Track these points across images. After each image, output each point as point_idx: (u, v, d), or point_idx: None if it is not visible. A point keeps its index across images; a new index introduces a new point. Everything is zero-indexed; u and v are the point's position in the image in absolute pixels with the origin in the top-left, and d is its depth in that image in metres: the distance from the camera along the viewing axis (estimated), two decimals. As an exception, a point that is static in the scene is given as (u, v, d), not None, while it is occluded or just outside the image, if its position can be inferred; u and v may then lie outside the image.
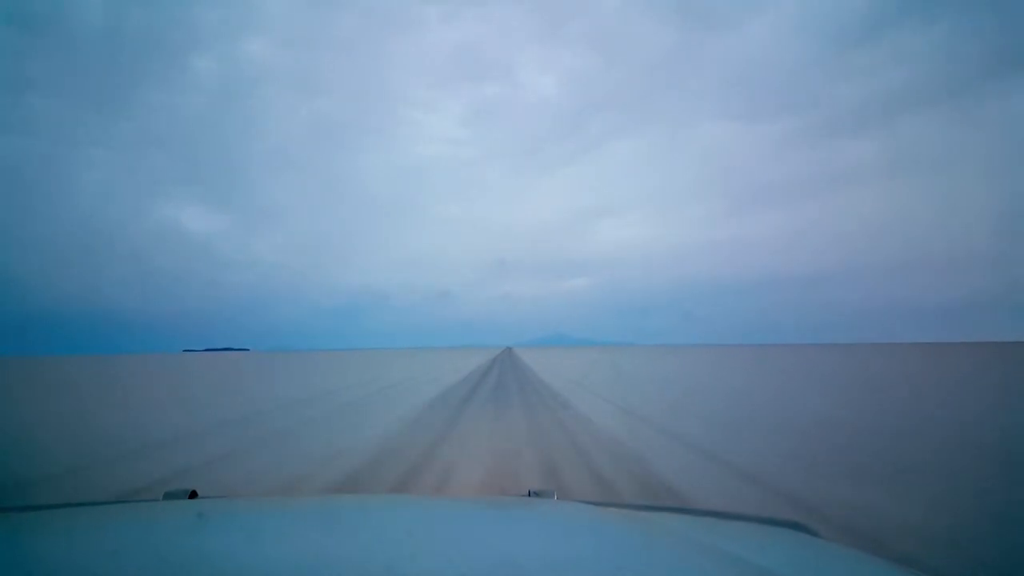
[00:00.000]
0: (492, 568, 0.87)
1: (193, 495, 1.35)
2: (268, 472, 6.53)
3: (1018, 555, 4.00)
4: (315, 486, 5.86)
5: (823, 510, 5.03)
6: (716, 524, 1.31)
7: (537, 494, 1.49)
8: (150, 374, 34.49)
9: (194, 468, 6.80)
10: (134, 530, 1.08)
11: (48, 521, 1.20)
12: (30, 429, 10.63)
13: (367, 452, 7.70)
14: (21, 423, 11.62)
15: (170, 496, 1.34)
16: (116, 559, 0.88)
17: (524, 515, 1.30)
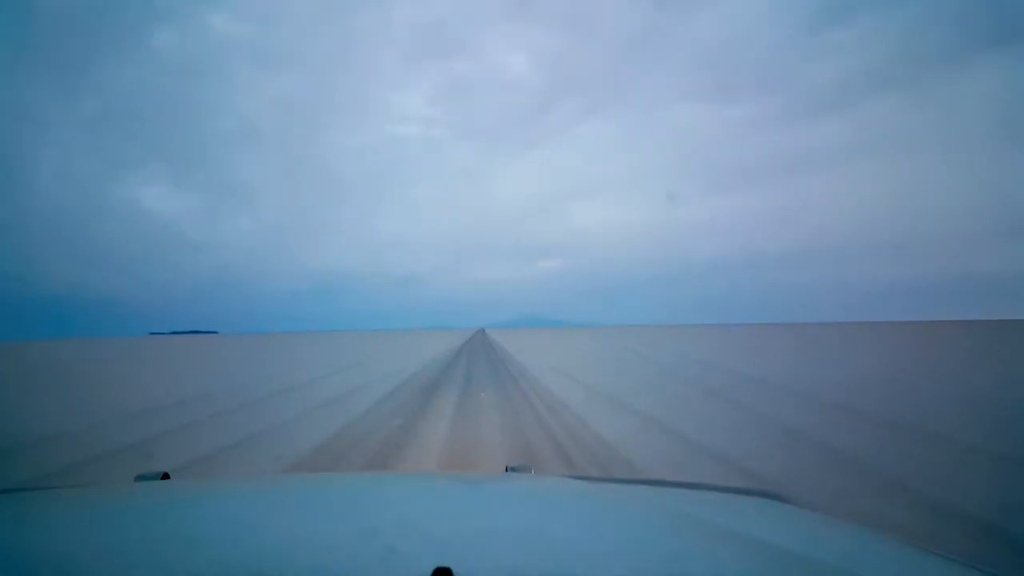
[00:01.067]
0: (472, 543, 0.88)
1: (166, 477, 1.34)
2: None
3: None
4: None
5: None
6: (693, 495, 1.34)
7: (515, 469, 1.50)
8: (77, 360, 32.08)
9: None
10: (107, 512, 1.07)
11: (18, 504, 1.18)
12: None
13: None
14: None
15: (142, 478, 1.33)
16: (89, 541, 0.87)
17: (503, 490, 1.31)
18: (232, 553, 0.81)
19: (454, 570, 0.71)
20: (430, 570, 0.71)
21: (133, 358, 32.49)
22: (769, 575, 0.83)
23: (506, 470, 1.54)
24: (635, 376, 16.32)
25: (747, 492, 1.37)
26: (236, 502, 1.16)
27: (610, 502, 1.19)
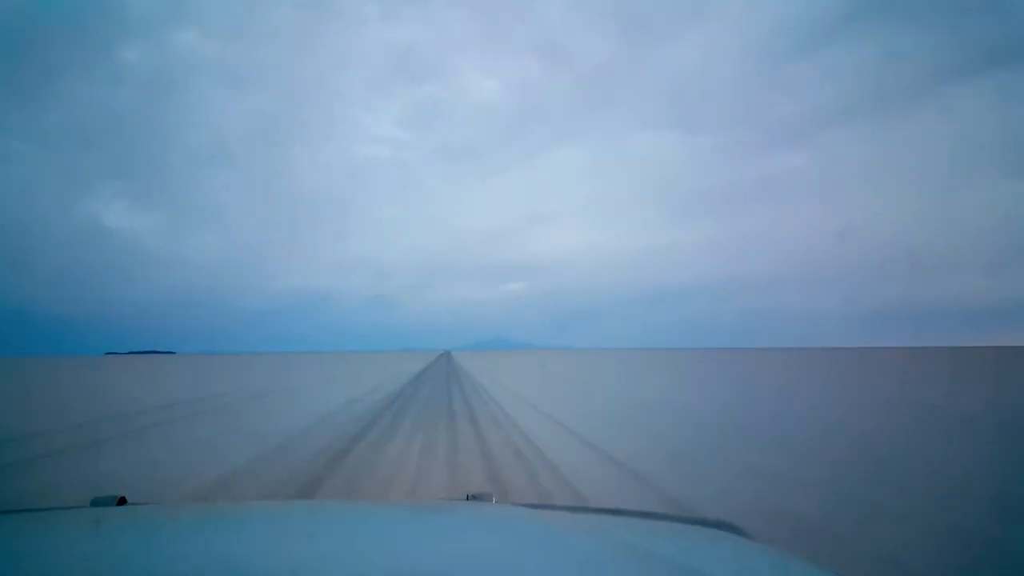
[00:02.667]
0: (431, 572, 0.88)
1: (122, 502, 1.30)
2: None
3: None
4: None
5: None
6: (650, 526, 1.36)
7: (476, 498, 1.51)
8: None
9: None
10: (61, 538, 1.04)
11: None
12: None
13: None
14: None
15: (98, 503, 1.29)
16: (42, 567, 0.85)
17: (463, 518, 1.31)
18: None
19: None
20: None
21: (38, 381, 30.42)
22: None
23: (467, 498, 1.53)
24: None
25: (703, 523, 1.38)
26: (193, 529, 1.13)
27: (569, 534, 1.19)
